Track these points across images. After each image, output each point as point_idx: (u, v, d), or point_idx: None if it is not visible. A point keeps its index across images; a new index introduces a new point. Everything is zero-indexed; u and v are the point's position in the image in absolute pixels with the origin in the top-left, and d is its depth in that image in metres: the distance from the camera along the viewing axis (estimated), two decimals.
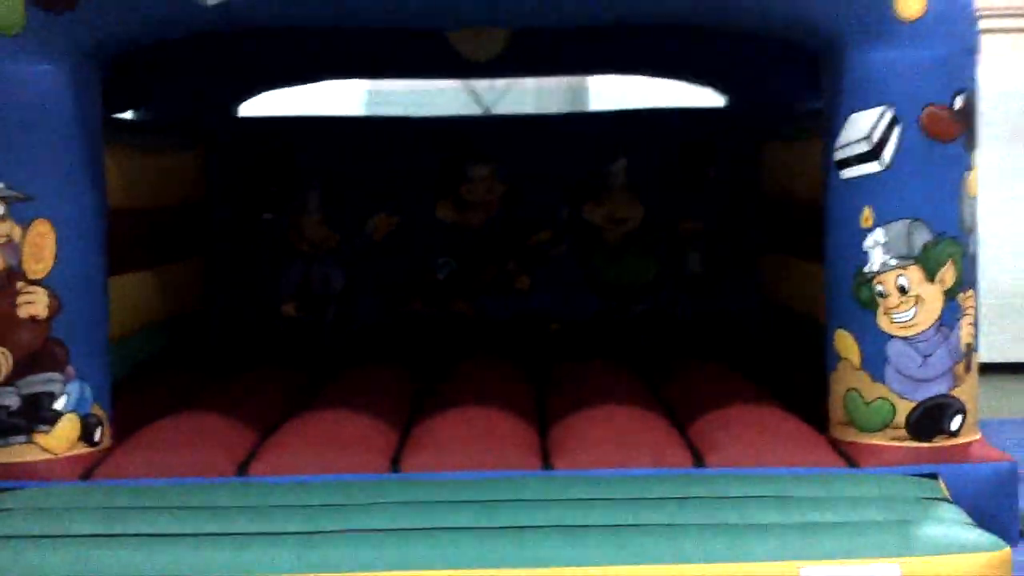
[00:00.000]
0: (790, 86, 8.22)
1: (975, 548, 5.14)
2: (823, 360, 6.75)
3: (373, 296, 10.17)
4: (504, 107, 12.38)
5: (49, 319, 6.30)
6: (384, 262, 10.16)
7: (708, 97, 10.74)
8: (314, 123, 10.48)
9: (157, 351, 8.46)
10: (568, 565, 5.11)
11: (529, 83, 12.50)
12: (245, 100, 10.51)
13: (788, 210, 8.54)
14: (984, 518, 5.81)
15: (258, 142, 10.15)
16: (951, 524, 5.35)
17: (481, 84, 12.38)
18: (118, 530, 5.44)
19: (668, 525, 5.35)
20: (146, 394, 7.63)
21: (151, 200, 8.29)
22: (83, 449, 6.43)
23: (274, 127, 10.34)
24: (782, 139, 8.74)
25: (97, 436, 6.50)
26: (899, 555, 5.10)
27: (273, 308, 10.06)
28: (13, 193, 6.23)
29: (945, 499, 5.78)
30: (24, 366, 6.29)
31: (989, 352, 10.26)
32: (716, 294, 10.21)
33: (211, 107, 9.91)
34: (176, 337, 8.87)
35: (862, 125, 6.33)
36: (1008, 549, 5.19)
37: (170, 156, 8.87)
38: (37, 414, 6.31)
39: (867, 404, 6.42)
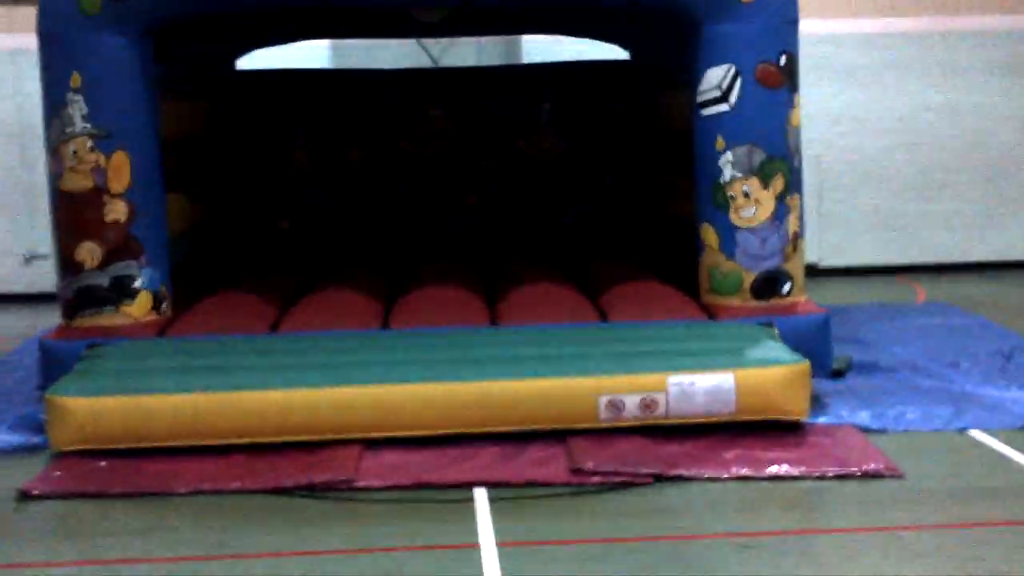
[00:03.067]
0: (676, 47, 9.59)
1: (782, 362, 7.40)
2: (695, 247, 8.98)
3: (350, 212, 12.16)
4: (450, 59, 13.98)
5: (128, 222, 8.41)
6: (358, 186, 12.16)
7: (616, 52, 12.81)
8: (298, 75, 12.43)
9: (183, 256, 10.39)
10: (502, 379, 7.21)
11: (471, 38, 14.01)
12: (241, 57, 12.43)
13: (675, 140, 10.38)
14: (807, 354, 7.72)
15: (253, 92, 12.07)
16: (771, 350, 7.62)
17: (429, 39, 13.92)
18: (188, 364, 7.60)
19: (579, 355, 7.58)
20: (187, 285, 9.63)
21: (173, 137, 10.09)
22: (155, 316, 8.59)
23: (265, 79, 12.25)
24: (672, 87, 10.49)
25: (164, 307, 8.68)
26: (734, 368, 7.33)
27: (270, 223, 12.08)
28: (99, 131, 8.28)
29: (773, 337, 8.04)
30: (111, 256, 8.39)
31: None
32: (624, 207, 12.36)
33: (214, 63, 11.76)
34: (196, 244, 10.78)
35: (714, 77, 8.52)
36: (806, 363, 7.40)
37: (186, 103, 10.62)
38: (122, 290, 8.43)
39: (723, 276, 8.69)
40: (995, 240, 14.21)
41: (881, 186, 14.17)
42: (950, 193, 14.18)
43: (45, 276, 13.71)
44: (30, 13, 13.19)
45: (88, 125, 8.24)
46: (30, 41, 13.08)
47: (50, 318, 11.80)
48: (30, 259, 13.96)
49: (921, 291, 12.94)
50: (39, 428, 7.61)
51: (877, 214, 14.16)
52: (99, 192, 8.33)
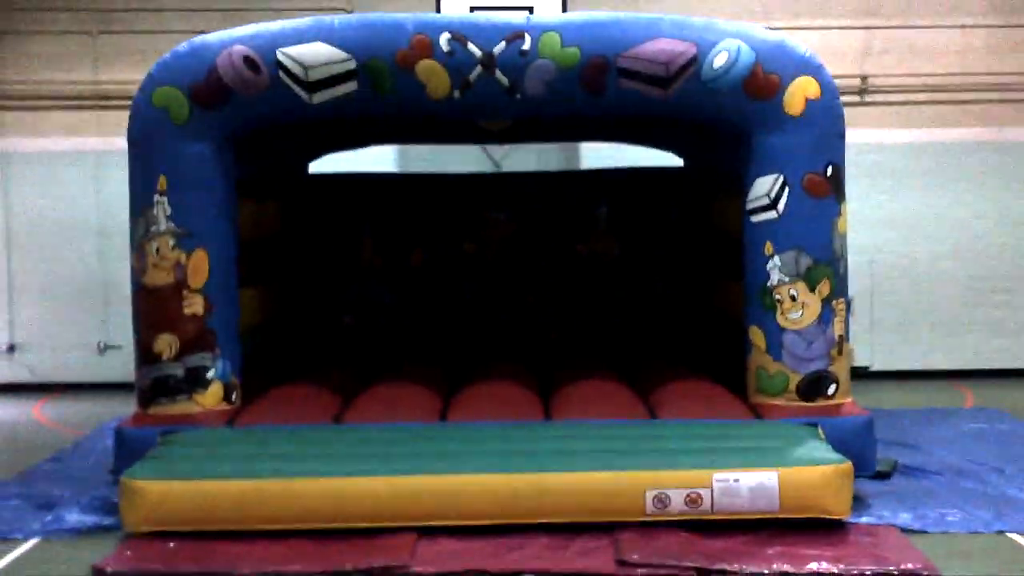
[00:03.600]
0: (728, 156, 9.91)
1: (825, 462, 7.66)
2: (743, 348, 9.25)
3: (412, 310, 12.59)
4: (511, 163, 14.54)
5: (204, 316, 8.85)
6: (420, 285, 12.62)
7: (670, 159, 13.24)
8: (366, 179, 13.01)
9: (252, 348, 10.80)
10: (554, 471, 7.55)
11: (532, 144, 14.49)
12: (313, 160, 13.02)
13: (726, 245, 10.62)
14: (850, 455, 8.00)
15: (324, 194, 12.63)
16: (815, 450, 7.88)
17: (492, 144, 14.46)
18: (255, 451, 8.00)
19: (628, 450, 7.89)
20: (256, 376, 10.03)
21: (248, 235, 10.56)
22: (225, 406, 8.99)
23: (336, 182, 12.83)
24: (725, 195, 10.70)
25: (234, 397, 9.09)
26: (778, 466, 7.61)
27: (336, 319, 12.54)
28: (181, 230, 8.80)
29: (817, 437, 8.28)
30: (187, 348, 8.82)
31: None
32: (675, 310, 12.69)
33: (288, 166, 12.33)
34: (266, 338, 11.19)
35: (763, 186, 8.89)
36: (849, 464, 7.66)
37: (261, 204, 11.12)
38: (196, 381, 8.84)
39: (770, 376, 8.94)
40: None
41: (932, 291, 14.44)
42: (1001, 299, 14.39)
43: (117, 366, 14.32)
44: (116, 117, 14.11)
45: (171, 224, 8.76)
46: (114, 143, 14.01)
47: (120, 406, 12.38)
48: (104, 349, 14.58)
49: (970, 396, 13.09)
50: (112, 510, 8.04)
51: (928, 319, 14.40)
52: (179, 287, 8.80)
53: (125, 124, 9.11)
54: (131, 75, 14.18)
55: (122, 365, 14.23)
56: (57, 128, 14.60)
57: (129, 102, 9.26)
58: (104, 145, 14.41)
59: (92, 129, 14.54)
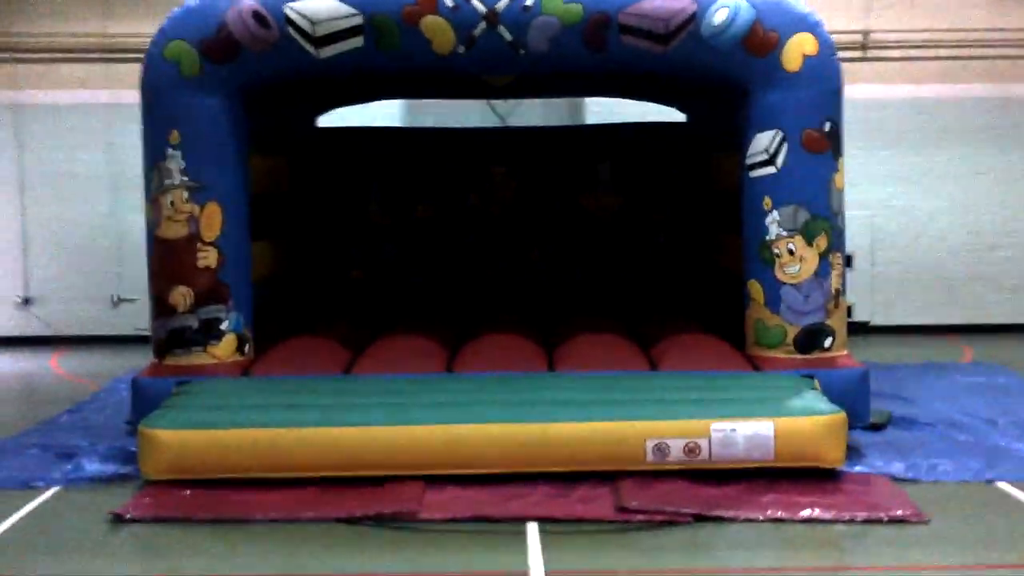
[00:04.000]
0: (729, 112, 10.06)
1: (820, 412, 7.85)
2: (742, 301, 9.45)
3: (419, 264, 12.80)
4: (516, 118, 14.74)
5: (218, 268, 9.07)
6: (428, 239, 12.82)
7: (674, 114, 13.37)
8: (374, 133, 13.16)
9: (263, 301, 10.97)
10: (556, 421, 7.76)
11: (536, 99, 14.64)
12: (322, 114, 13.17)
13: (727, 200, 10.74)
14: (845, 406, 8.15)
15: (331, 147, 12.79)
16: (810, 401, 8.07)
17: (497, 100, 14.54)
18: (268, 402, 8.23)
19: (629, 401, 8.10)
20: (268, 328, 10.24)
21: (258, 189, 10.65)
22: (238, 357, 9.23)
23: (343, 136, 12.98)
24: (726, 150, 10.77)
25: (247, 349, 9.32)
26: (773, 416, 7.81)
27: (344, 273, 12.75)
28: (194, 183, 8.98)
29: (813, 389, 8.48)
30: (201, 300, 9.05)
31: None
32: (676, 263, 12.90)
33: (296, 120, 12.48)
34: (276, 291, 11.35)
35: (762, 142, 9.05)
36: (843, 414, 7.86)
37: (271, 158, 11.24)
38: (210, 332, 9.08)
39: (768, 329, 9.15)
40: None
41: (932, 247, 14.61)
42: (1000, 256, 14.57)
43: (131, 319, 14.56)
44: (125, 69, 14.26)
45: (185, 178, 8.96)
46: (124, 96, 14.17)
47: (135, 359, 12.62)
48: (118, 303, 14.80)
49: (968, 351, 13.30)
50: (130, 459, 8.30)
51: (928, 275, 14.59)
52: (193, 240, 9.01)
53: (134, 77, 9.24)
54: (140, 28, 14.31)
55: (135, 318, 14.49)
56: (68, 80, 14.75)
57: (138, 55, 9.43)
58: (114, 98, 14.59)
59: (101, 82, 14.70)
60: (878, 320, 14.53)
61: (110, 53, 14.64)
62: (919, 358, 12.77)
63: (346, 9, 8.83)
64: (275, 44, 8.90)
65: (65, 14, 14.64)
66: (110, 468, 8.28)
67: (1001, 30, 14.56)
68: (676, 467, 7.72)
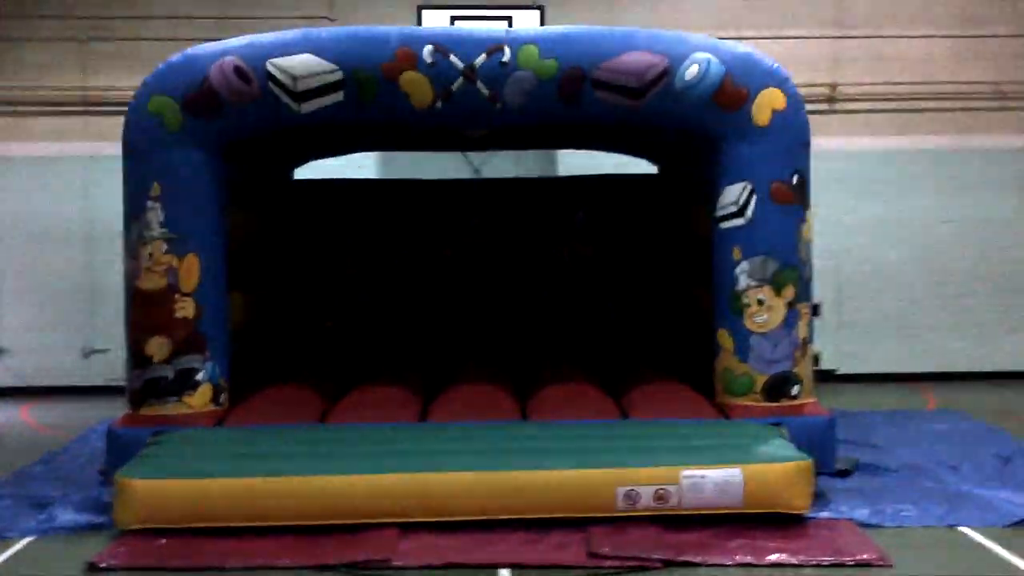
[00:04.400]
0: (699, 164, 10.23)
1: (787, 459, 7.99)
2: (712, 350, 9.62)
3: (392, 314, 12.90)
4: (490, 169, 14.86)
5: (195, 319, 9.18)
6: (402, 289, 12.92)
7: (644, 167, 13.62)
8: (348, 185, 13.30)
9: (238, 351, 11.04)
10: (528, 469, 7.85)
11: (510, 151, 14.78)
12: (298, 167, 13.30)
13: (700, 250, 10.70)
14: (811, 452, 8.35)
15: (306, 200, 12.91)
16: (777, 448, 8.22)
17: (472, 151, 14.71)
18: (244, 451, 8.29)
19: (600, 449, 8.22)
20: (242, 377, 10.31)
21: (238, 241, 10.73)
22: (214, 407, 9.31)
23: (318, 188, 13.12)
24: (697, 201, 10.87)
25: (222, 399, 9.41)
26: (742, 463, 7.94)
27: (317, 323, 12.83)
28: (174, 235, 9.11)
29: (781, 436, 8.64)
30: (178, 350, 9.15)
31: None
32: (648, 313, 13.04)
33: (272, 173, 12.63)
34: (251, 341, 11.43)
35: (732, 194, 9.27)
36: (809, 461, 8.01)
37: (245, 210, 11.24)
38: (186, 383, 9.17)
39: (736, 377, 9.33)
40: (1007, 350, 14.81)
41: (897, 296, 14.85)
42: (963, 304, 14.83)
43: (102, 370, 14.59)
44: (103, 122, 14.40)
45: (164, 230, 9.09)
46: (101, 148, 14.29)
47: (106, 409, 12.65)
48: (89, 354, 14.80)
49: (932, 398, 13.49)
50: (103, 509, 8.33)
51: (893, 323, 14.82)
52: (171, 291, 9.13)
53: (112, 130, 9.32)
54: (119, 81, 14.50)
55: (107, 368, 14.54)
56: (45, 133, 14.86)
57: (116, 108, 9.58)
58: (91, 150, 14.69)
59: (79, 134, 14.80)
60: (845, 368, 14.73)
61: (88, 106, 14.76)
62: (885, 406, 12.93)
63: (327, 65, 9.03)
64: (256, 99, 9.09)
65: (44, 67, 14.76)
66: (84, 517, 8.29)
67: (964, 83, 14.89)
68: (646, 513, 7.83)
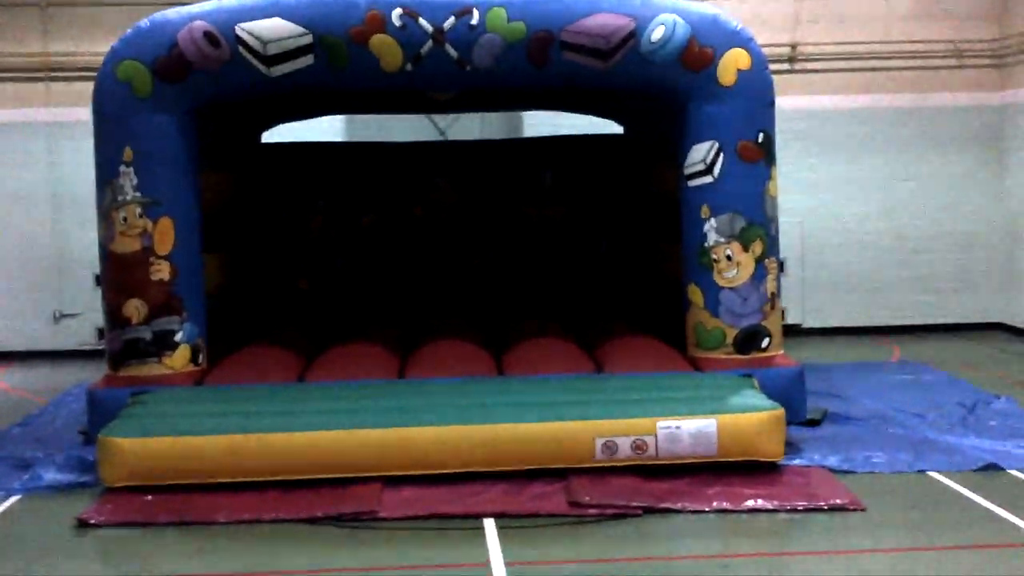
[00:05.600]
0: (665, 124, 10.39)
1: (759, 409, 8.21)
2: (682, 305, 9.82)
3: (364, 273, 12.99)
4: (456, 132, 15.00)
5: (171, 281, 9.25)
6: (373, 249, 13.02)
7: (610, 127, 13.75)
8: (317, 148, 13.35)
9: (214, 313, 11.02)
10: (508, 422, 8.04)
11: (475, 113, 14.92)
12: (266, 130, 13.32)
13: (665, 208, 11.07)
14: (782, 403, 8.52)
15: (276, 162, 12.95)
16: (750, 398, 8.41)
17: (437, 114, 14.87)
18: (225, 409, 8.37)
19: (577, 402, 8.37)
20: (219, 338, 10.37)
21: (206, 203, 10.79)
22: (192, 367, 9.40)
23: (288, 151, 13.16)
24: (663, 160, 11.06)
25: (200, 359, 9.49)
26: (716, 414, 8.15)
27: (291, 284, 12.89)
28: (147, 199, 9.16)
29: (752, 387, 8.83)
30: (154, 312, 9.22)
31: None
32: (617, 270, 13.21)
33: (241, 136, 12.63)
34: (227, 302, 11.48)
35: (699, 153, 9.43)
36: (781, 411, 8.23)
37: (216, 173, 11.25)
38: (163, 344, 9.26)
39: (707, 331, 9.51)
40: (968, 302, 15.14)
41: (861, 252, 15.11)
42: (926, 258, 15.12)
43: (73, 334, 14.59)
44: (66, 88, 14.33)
45: (138, 194, 9.13)
46: (65, 113, 14.23)
47: (79, 373, 12.69)
48: (59, 318, 14.80)
49: (896, 350, 13.78)
50: (86, 468, 8.43)
51: (857, 278, 15.09)
52: (146, 254, 9.19)
53: (76, 95, 9.25)
54: (81, 47, 14.41)
55: (77, 333, 14.53)
56: (8, 99, 14.75)
57: (81, 74, 9.54)
58: (55, 116, 14.60)
59: (42, 100, 14.71)
60: (810, 322, 14.99)
61: (51, 71, 14.66)
62: (851, 358, 13.21)
63: (296, 29, 9.07)
64: (226, 63, 9.13)
65: (4, 34, 14.65)
66: (68, 477, 8.38)
67: (922, 42, 15.10)
68: (625, 463, 8.02)
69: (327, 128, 14.67)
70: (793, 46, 15.06)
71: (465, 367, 9.53)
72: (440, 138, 14.84)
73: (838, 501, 7.47)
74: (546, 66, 9.34)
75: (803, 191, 14.87)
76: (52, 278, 14.79)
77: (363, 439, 7.98)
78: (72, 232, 14.52)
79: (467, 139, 14.42)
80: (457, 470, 8.00)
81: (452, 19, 9.15)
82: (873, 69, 15.12)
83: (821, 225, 15.04)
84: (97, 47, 10.15)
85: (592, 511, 7.38)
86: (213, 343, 9.98)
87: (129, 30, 9.31)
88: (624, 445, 8.03)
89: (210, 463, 7.90)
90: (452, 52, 9.22)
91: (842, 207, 15.10)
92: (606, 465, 8.02)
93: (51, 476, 8.40)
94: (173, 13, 9.25)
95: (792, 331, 14.41)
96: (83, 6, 14.61)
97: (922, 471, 8.25)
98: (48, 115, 14.69)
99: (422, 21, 9.13)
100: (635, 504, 7.43)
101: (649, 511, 7.39)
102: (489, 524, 7.23)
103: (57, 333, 14.81)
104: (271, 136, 13.67)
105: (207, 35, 9.06)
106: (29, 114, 14.76)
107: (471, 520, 7.32)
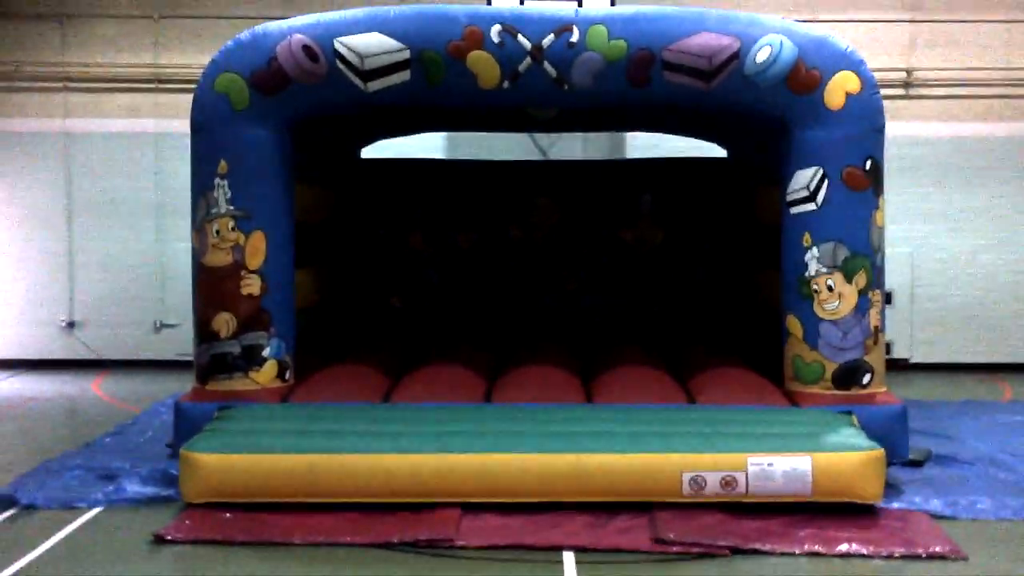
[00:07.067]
0: (770, 148, 10.04)
1: (858, 448, 7.86)
2: (780, 336, 9.47)
3: (459, 292, 12.90)
4: (558, 151, 14.77)
5: (261, 296, 9.21)
6: (469, 269, 12.91)
7: (714, 150, 13.45)
8: (417, 164, 13.30)
9: (305, 328, 11.05)
10: (593, 452, 7.79)
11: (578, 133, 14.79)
12: (366, 146, 13.30)
13: (766, 235, 10.76)
14: (883, 442, 8.20)
15: (374, 178, 12.93)
16: (848, 436, 8.08)
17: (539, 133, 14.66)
18: (308, 428, 8.30)
19: (666, 433, 8.11)
20: (309, 354, 10.35)
21: (302, 218, 10.71)
22: (279, 383, 9.35)
23: (388, 167, 13.12)
24: (766, 185, 10.81)
25: (287, 375, 9.44)
26: (812, 451, 7.82)
27: (383, 301, 12.85)
28: (240, 212, 9.14)
29: (851, 425, 8.49)
30: (244, 326, 9.19)
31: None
32: (714, 297, 12.90)
33: (341, 151, 12.63)
34: (318, 319, 11.53)
35: (803, 179, 9.11)
36: (881, 450, 7.86)
37: (313, 188, 11.34)
38: (252, 359, 9.22)
39: (806, 365, 9.17)
40: None
41: (973, 285, 14.55)
42: None
43: (172, 344, 14.73)
44: (173, 99, 14.51)
45: (231, 207, 9.11)
46: (171, 125, 14.41)
47: (176, 384, 12.77)
48: (160, 328, 14.97)
49: (1008, 389, 13.21)
50: (170, 481, 8.41)
51: (968, 313, 14.52)
52: (237, 267, 9.16)
53: (182, 107, 9.32)
54: (189, 59, 14.60)
55: (177, 343, 14.66)
56: (117, 110, 15.00)
57: (187, 85, 9.62)
58: (161, 126, 14.81)
59: (150, 111, 14.92)
60: (918, 358, 14.47)
61: (159, 83, 14.87)
62: (959, 396, 12.69)
63: (394, 44, 8.99)
64: (324, 77, 9.07)
65: (117, 44, 14.90)
66: (150, 490, 8.36)
67: None
68: (713, 500, 7.73)
69: (428, 145, 14.59)
70: (908, 71, 14.60)
71: (553, 393, 9.33)
72: (541, 157, 14.66)
73: (938, 549, 7.08)
74: (646, 86, 9.12)
75: (914, 221, 14.38)
76: (154, 288, 14.98)
77: (445, 464, 7.81)
78: (174, 243, 14.67)
79: (567, 159, 14.20)
80: (539, 499, 7.78)
81: (551, 36, 8.99)
82: (991, 96, 14.57)
83: (933, 256, 14.52)
84: (205, 59, 10.18)
85: (676, 549, 7.11)
86: (304, 359, 9.92)
87: (230, 42, 9.32)
88: (712, 480, 7.74)
89: (289, 482, 7.80)
90: (551, 70, 9.05)
91: (955, 239, 14.56)
92: (693, 501, 7.74)
93: (134, 489, 8.39)
94: (273, 26, 9.23)
95: (898, 366, 13.93)
96: (195, 19, 14.80)
97: None
98: (155, 126, 14.89)
99: (521, 38, 8.98)
100: (721, 544, 7.14)
101: (736, 551, 7.09)
102: (568, 557, 7.01)
103: (157, 343, 14.97)
104: (372, 152, 13.63)
105: (306, 48, 9.03)
106: (137, 124, 14.97)
107: (551, 552, 7.09)
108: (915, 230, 14.41)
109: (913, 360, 14.44)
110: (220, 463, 7.84)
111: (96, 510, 8.01)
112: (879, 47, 14.22)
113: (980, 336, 14.53)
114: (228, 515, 7.70)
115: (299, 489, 7.81)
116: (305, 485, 7.80)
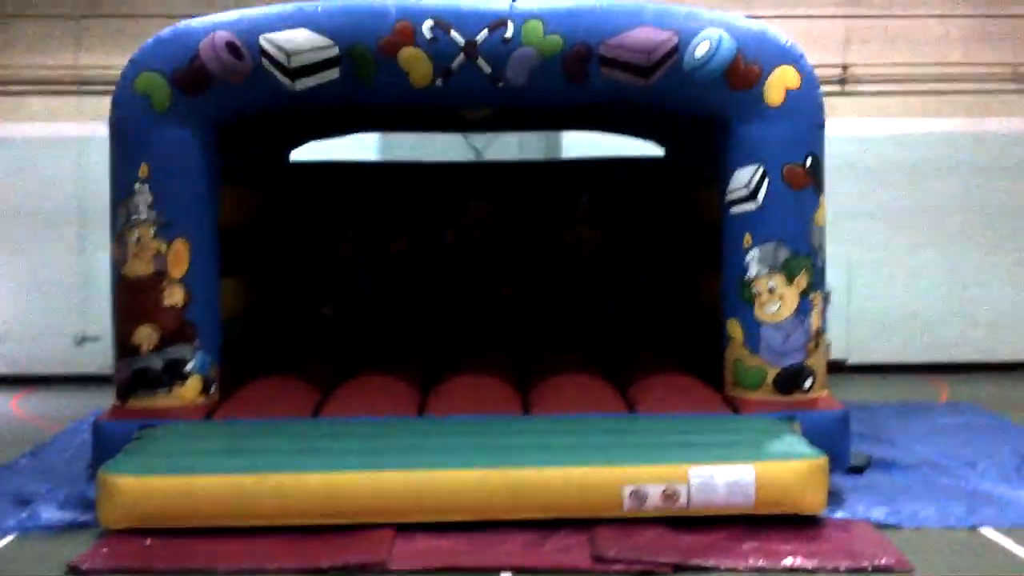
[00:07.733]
0: (709, 145, 9.81)
1: (801, 456, 7.65)
2: (721, 340, 9.27)
3: (392, 299, 12.59)
4: (493, 152, 14.44)
5: (184, 307, 8.83)
6: (402, 274, 12.61)
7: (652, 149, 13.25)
8: (347, 167, 12.97)
9: (231, 338, 10.71)
10: (530, 466, 7.49)
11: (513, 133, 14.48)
12: (294, 148, 12.94)
13: (706, 235, 10.58)
14: (825, 447, 8.04)
15: (303, 182, 12.59)
16: (790, 444, 7.88)
17: (474, 133, 14.36)
18: (233, 447, 7.93)
19: (605, 445, 7.87)
20: (234, 365, 9.98)
21: (227, 223, 10.29)
22: (203, 399, 8.98)
23: (317, 170, 12.77)
24: (705, 185, 10.62)
25: (212, 390, 9.08)
26: (754, 461, 7.58)
27: (314, 309, 12.52)
28: (163, 218, 8.74)
29: (794, 432, 8.32)
30: (166, 340, 8.80)
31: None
32: (655, 300, 12.70)
33: (268, 154, 12.26)
34: (245, 328, 11.10)
35: (743, 177, 8.89)
36: (824, 458, 7.65)
37: (239, 191, 10.86)
38: (174, 373, 8.83)
39: (747, 370, 8.97)
40: (1020, 340, 14.43)
41: (909, 284, 14.47)
42: (977, 293, 14.45)
43: (95, 358, 14.21)
44: (97, 103, 14.02)
45: (153, 213, 8.72)
46: (95, 129, 13.92)
47: (99, 399, 12.28)
48: (81, 341, 14.43)
49: (945, 390, 13.15)
50: (89, 506, 7.97)
51: (904, 311, 14.44)
52: (159, 277, 8.78)
53: (105, 109, 8.88)
54: (113, 60, 14.09)
55: (100, 356, 14.16)
56: (38, 113, 14.48)
57: (110, 87, 9.19)
58: (85, 131, 14.30)
59: (72, 114, 14.43)
60: (855, 359, 14.37)
61: (82, 85, 14.38)
62: (897, 398, 12.59)
63: (322, 40, 8.66)
64: (249, 75, 8.73)
65: (36, 46, 14.39)
66: (68, 515, 7.94)
67: (977, 65, 14.49)
68: (654, 514, 7.49)
69: (361, 147, 14.19)
70: (844, 67, 14.50)
71: (490, 404, 9.07)
72: (476, 158, 14.39)
73: (883, 561, 6.90)
74: (584, 82, 8.86)
75: (850, 219, 14.27)
76: (76, 299, 14.42)
77: (376, 482, 7.48)
78: (98, 252, 14.16)
79: (502, 160, 13.95)
80: (475, 518, 7.48)
81: (485, 31, 8.71)
82: (927, 92, 14.51)
83: (869, 255, 14.43)
84: (128, 59, 9.86)
85: (618, 567, 6.86)
86: (230, 372, 9.57)
87: (150, 40, 8.94)
88: (654, 494, 7.49)
89: (214, 506, 7.43)
90: (485, 67, 8.77)
91: (892, 236, 14.47)
92: (634, 516, 7.48)
93: (49, 515, 7.95)
94: (196, 23, 8.86)
95: (836, 369, 13.81)
96: (117, 18, 14.32)
97: (974, 527, 7.66)
98: (78, 130, 14.39)
99: (454, 33, 8.70)
100: (664, 560, 6.90)
101: (679, 568, 6.86)
102: None
103: (79, 356, 14.44)
104: (302, 154, 13.24)
105: (229, 45, 8.67)
106: (58, 129, 14.46)
107: (488, 574, 6.81)
108: (852, 229, 14.30)
109: (850, 362, 14.33)
110: (140, 486, 7.43)
111: (8, 538, 7.59)
112: (814, 43, 14.08)
113: (917, 336, 14.47)
114: (148, 542, 7.32)
115: (224, 513, 7.44)
116: (231, 508, 7.44)
